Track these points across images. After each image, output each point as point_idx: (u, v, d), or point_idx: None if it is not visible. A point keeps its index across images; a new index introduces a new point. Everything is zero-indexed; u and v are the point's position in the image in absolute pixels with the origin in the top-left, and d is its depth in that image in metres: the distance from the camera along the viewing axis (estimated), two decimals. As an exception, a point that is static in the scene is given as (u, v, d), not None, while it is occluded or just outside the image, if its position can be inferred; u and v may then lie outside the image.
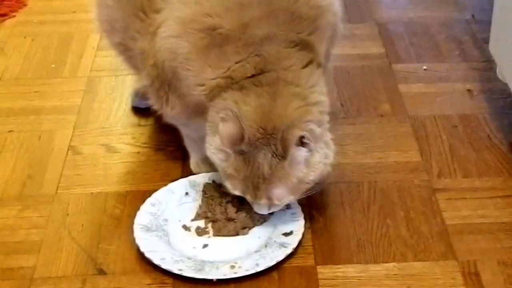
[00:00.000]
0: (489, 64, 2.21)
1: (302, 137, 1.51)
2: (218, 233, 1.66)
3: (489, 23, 2.08)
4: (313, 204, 1.75)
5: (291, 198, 1.60)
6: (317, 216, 1.73)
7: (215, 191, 1.72)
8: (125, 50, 1.81)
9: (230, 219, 1.66)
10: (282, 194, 1.57)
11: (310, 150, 1.55)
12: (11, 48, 2.41)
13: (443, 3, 2.58)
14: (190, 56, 1.59)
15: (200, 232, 1.67)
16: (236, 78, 1.56)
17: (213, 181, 1.74)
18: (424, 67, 2.25)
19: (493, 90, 2.12)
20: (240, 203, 1.66)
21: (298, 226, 1.66)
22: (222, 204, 1.68)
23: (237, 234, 1.65)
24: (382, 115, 2.06)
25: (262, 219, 1.67)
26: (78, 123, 2.05)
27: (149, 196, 1.74)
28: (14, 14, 2.59)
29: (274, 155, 1.53)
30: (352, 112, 2.08)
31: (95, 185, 1.84)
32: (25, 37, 2.46)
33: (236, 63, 1.56)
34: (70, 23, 2.53)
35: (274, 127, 1.52)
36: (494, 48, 2.03)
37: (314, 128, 1.56)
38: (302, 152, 1.53)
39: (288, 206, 1.69)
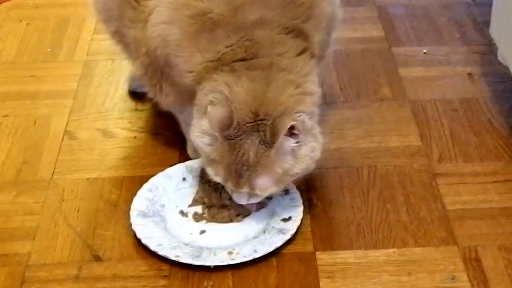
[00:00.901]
0: (490, 47, 2.19)
1: (293, 127, 1.46)
2: (213, 219, 1.64)
3: (489, 5, 2.05)
4: (312, 189, 1.74)
5: (273, 190, 1.55)
6: (316, 201, 1.71)
7: (211, 176, 1.70)
8: (121, 39, 1.79)
9: (224, 206, 1.64)
10: (265, 184, 1.52)
11: (298, 142, 1.50)
12: (7, 31, 2.38)
13: (443, -14, 2.56)
14: (180, 42, 1.57)
15: (197, 218, 1.65)
16: (226, 61, 1.53)
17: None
18: (424, 51, 2.23)
19: (494, 74, 2.10)
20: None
21: (296, 211, 1.64)
22: (218, 190, 1.66)
23: (231, 221, 1.63)
24: (382, 99, 2.04)
25: (260, 206, 1.65)
26: (74, 108, 2.03)
27: (146, 181, 1.72)
28: (9, -2, 2.57)
29: (262, 142, 1.48)
30: (352, 96, 2.06)
31: (91, 171, 1.82)
32: (20, 21, 2.43)
33: (227, 47, 1.53)
34: (67, 7, 2.50)
35: (266, 112, 1.48)
36: (495, 31, 2.01)
37: (305, 119, 1.51)
38: (290, 143, 1.49)
39: (286, 192, 1.68)
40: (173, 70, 1.62)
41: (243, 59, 1.53)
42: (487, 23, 2.11)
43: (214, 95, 1.50)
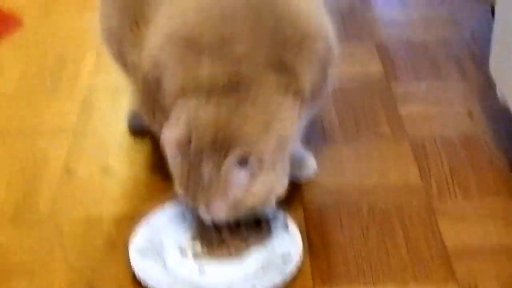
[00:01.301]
0: (489, 84, 2.18)
1: (245, 158, 1.47)
2: (211, 255, 1.63)
3: (488, 42, 2.06)
4: (311, 226, 1.73)
5: (229, 215, 1.56)
6: (315, 237, 1.71)
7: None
8: (123, 62, 1.81)
9: (223, 241, 1.64)
10: (219, 209, 1.53)
11: (251, 175, 1.50)
12: (7, 67, 2.39)
13: (442, 22, 2.57)
14: (168, 64, 1.58)
15: (196, 255, 1.64)
16: (205, 87, 1.53)
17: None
18: (424, 87, 2.23)
19: (494, 111, 2.10)
20: (237, 225, 1.64)
21: (296, 247, 1.63)
22: (216, 227, 1.65)
23: (230, 256, 1.62)
24: (381, 136, 2.04)
25: (259, 242, 1.64)
26: (73, 144, 2.03)
27: (145, 218, 1.71)
28: (9, 34, 2.57)
29: (216, 168, 1.49)
30: (351, 133, 2.06)
31: (90, 207, 1.82)
32: (20, 57, 2.44)
33: (210, 73, 1.53)
34: (67, 43, 2.51)
35: (224, 140, 1.49)
36: (494, 69, 2.02)
37: (263, 155, 1.50)
38: (239, 174, 1.49)
39: (285, 228, 1.67)
40: (162, 95, 1.63)
41: (222, 88, 1.53)
42: (486, 60, 2.11)
43: (179, 114, 1.52)
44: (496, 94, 2.03)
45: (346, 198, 1.83)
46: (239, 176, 1.50)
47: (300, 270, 1.61)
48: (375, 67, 2.33)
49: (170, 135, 1.52)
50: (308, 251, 1.66)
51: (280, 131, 1.54)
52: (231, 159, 1.47)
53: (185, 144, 1.50)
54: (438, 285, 1.58)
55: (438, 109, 2.14)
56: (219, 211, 1.54)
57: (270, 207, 1.69)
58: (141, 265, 1.59)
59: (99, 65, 2.35)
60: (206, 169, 1.50)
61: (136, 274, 1.58)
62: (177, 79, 1.56)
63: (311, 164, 1.87)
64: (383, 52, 2.41)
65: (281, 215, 1.71)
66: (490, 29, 2.04)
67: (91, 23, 2.60)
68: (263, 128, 1.51)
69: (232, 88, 1.52)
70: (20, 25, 2.63)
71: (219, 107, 1.51)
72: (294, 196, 1.82)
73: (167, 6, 1.64)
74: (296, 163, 1.79)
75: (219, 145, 1.49)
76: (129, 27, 1.70)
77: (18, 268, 1.65)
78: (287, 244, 1.65)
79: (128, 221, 1.75)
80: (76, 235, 1.73)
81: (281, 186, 1.57)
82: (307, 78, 1.58)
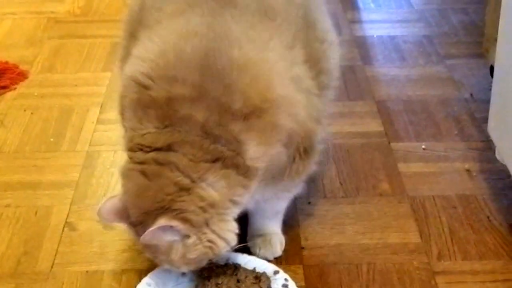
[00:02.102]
0: (488, 144, 2.22)
1: (168, 224, 1.49)
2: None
3: (487, 102, 2.09)
4: (311, 286, 1.74)
5: (186, 268, 1.59)
6: (315, 298, 1.71)
7: (211, 271, 1.69)
8: None
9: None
10: (175, 263, 1.56)
11: (181, 236, 1.52)
12: (11, 120, 2.41)
13: (442, 82, 2.60)
14: (126, 107, 1.60)
15: (197, 312, 1.64)
16: (146, 143, 1.54)
17: (210, 261, 1.72)
18: (423, 146, 2.25)
19: (492, 171, 2.12)
20: (236, 284, 1.64)
21: (296, 308, 1.63)
22: (219, 285, 1.66)
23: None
24: (381, 194, 2.05)
25: (259, 301, 1.65)
26: (75, 199, 2.04)
27: (146, 275, 1.71)
28: (15, 86, 2.60)
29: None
30: (351, 191, 2.07)
31: (90, 263, 1.82)
32: (25, 110, 2.46)
33: (154, 128, 1.54)
34: (71, 97, 2.54)
35: (146, 209, 1.51)
36: (492, 129, 2.04)
37: (187, 216, 1.50)
38: (167, 237, 1.52)
39: (286, 287, 1.68)
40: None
41: (159, 149, 1.53)
42: (485, 120, 2.14)
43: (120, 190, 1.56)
44: (494, 154, 2.06)
45: (346, 257, 1.83)
46: (165, 239, 1.52)
47: (300, 331, 1.61)
48: (375, 126, 2.36)
49: (104, 209, 1.56)
50: (308, 311, 1.67)
51: (200, 191, 1.51)
52: (153, 228, 1.48)
53: (125, 217, 1.55)
54: None
55: (438, 168, 2.16)
56: (176, 266, 1.58)
57: (270, 267, 1.70)
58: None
59: (102, 119, 2.38)
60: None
61: (136, 332, 1.58)
62: (135, 126, 1.57)
63: (276, 244, 1.83)
64: (384, 111, 2.43)
65: (281, 274, 1.72)
66: (489, 88, 2.07)
67: (94, 77, 2.67)
68: (180, 191, 1.50)
69: (167, 150, 1.52)
70: (25, 78, 2.65)
71: (141, 176, 1.52)
72: (294, 254, 1.84)
73: (138, 46, 1.65)
74: (262, 242, 1.81)
75: (144, 215, 1.52)
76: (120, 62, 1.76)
77: (18, 324, 1.65)
78: (287, 303, 1.65)
79: (128, 277, 1.76)
80: (76, 291, 1.74)
81: (225, 242, 1.56)
82: (256, 153, 1.54)
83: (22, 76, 2.66)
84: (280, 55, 1.60)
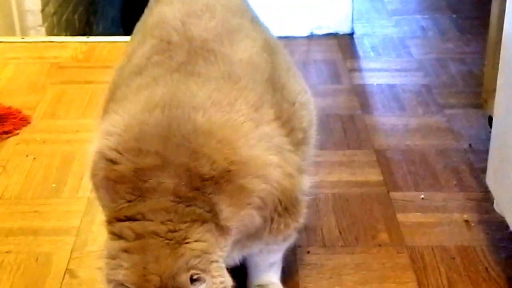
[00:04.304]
0: (486, 194, 2.23)
1: (192, 277, 1.46)
2: None
3: (486, 152, 2.11)
4: (310, 337, 1.75)
5: None
6: None
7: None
8: None
9: None
10: None
11: (204, 282, 1.49)
12: (13, 166, 2.43)
13: (440, 132, 2.63)
14: (98, 186, 1.60)
15: None
16: (121, 217, 1.53)
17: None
18: (422, 196, 2.27)
19: (491, 222, 2.13)
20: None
21: None
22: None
23: None
24: (380, 245, 2.06)
25: None
26: (76, 245, 2.05)
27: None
28: (17, 131, 2.63)
29: None
30: (350, 241, 2.08)
31: (91, 310, 1.83)
32: (27, 156, 2.49)
33: (127, 203, 1.53)
34: (73, 143, 2.56)
35: (155, 284, 1.46)
36: (491, 181, 2.05)
37: (194, 262, 1.48)
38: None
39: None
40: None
41: (132, 218, 1.52)
42: (484, 170, 2.16)
43: (113, 279, 1.49)
44: (493, 205, 2.07)
45: (345, 308, 1.84)
46: None
47: None
48: (374, 175, 2.38)
49: None
50: None
51: (191, 245, 1.49)
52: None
53: None
54: None
55: (436, 219, 2.17)
56: None
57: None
58: None
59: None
60: None
61: None
62: (107, 203, 1.57)
63: None
64: (383, 160, 2.45)
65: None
66: (488, 139, 2.10)
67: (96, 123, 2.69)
68: (173, 250, 1.48)
69: (142, 220, 1.50)
70: (28, 123, 2.68)
71: (131, 256, 1.49)
72: (293, 305, 1.84)
73: (105, 120, 1.66)
74: None
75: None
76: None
77: None
78: None
79: (128, 326, 1.76)
80: None
81: (228, 279, 1.53)
82: (226, 215, 1.53)
83: (24, 121, 2.69)
84: (245, 115, 1.60)
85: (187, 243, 1.49)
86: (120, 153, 1.55)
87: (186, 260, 1.48)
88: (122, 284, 1.47)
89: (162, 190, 1.51)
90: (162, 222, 1.50)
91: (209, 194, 1.51)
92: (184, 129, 1.54)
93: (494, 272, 1.95)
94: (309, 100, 1.85)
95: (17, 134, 2.62)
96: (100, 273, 1.90)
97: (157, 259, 1.47)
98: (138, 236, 1.50)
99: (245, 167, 1.54)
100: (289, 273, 1.91)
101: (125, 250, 1.50)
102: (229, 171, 1.52)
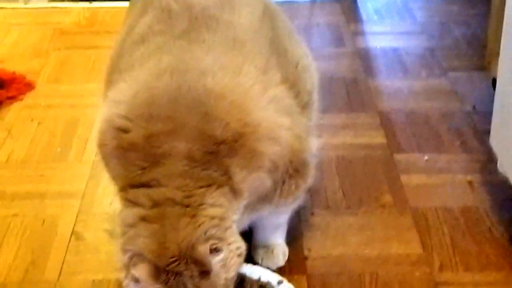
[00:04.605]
0: (490, 156, 2.23)
1: (213, 246, 1.47)
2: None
3: (490, 114, 2.10)
4: (314, 296, 1.76)
5: None
6: (318, 308, 1.74)
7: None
8: None
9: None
10: None
11: (222, 252, 1.49)
12: (18, 131, 2.44)
13: (444, 94, 2.62)
14: (108, 156, 1.60)
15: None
16: (135, 184, 1.53)
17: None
18: (426, 158, 2.28)
19: (494, 183, 2.14)
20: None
21: (299, 319, 1.65)
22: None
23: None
24: (383, 206, 2.07)
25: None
26: (82, 208, 2.07)
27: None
28: (22, 96, 2.63)
29: (192, 277, 1.47)
30: (354, 202, 2.09)
31: (97, 272, 1.84)
32: (32, 120, 2.49)
33: (140, 170, 1.52)
34: (77, 107, 2.57)
35: (174, 253, 1.46)
36: (494, 142, 2.06)
37: (212, 232, 1.49)
38: (218, 258, 1.48)
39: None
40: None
41: (147, 185, 1.52)
42: (487, 132, 2.16)
43: (131, 254, 1.49)
44: (496, 166, 2.07)
45: (348, 268, 1.85)
46: (218, 260, 1.48)
47: None
48: (378, 138, 2.38)
49: (140, 273, 1.45)
50: (311, 321, 1.69)
51: (207, 212, 1.49)
52: (207, 258, 1.45)
53: (156, 276, 1.46)
54: None
55: (440, 180, 2.18)
56: None
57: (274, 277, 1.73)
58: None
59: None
60: (187, 284, 1.47)
61: None
62: (118, 170, 1.57)
63: (278, 255, 1.86)
64: (386, 123, 2.45)
65: (284, 284, 1.74)
66: (491, 101, 2.09)
67: (100, 88, 2.69)
68: (191, 218, 1.48)
69: (157, 186, 1.51)
70: (32, 88, 2.68)
71: (150, 225, 1.49)
72: (297, 265, 1.86)
73: (112, 89, 1.66)
74: (264, 253, 1.84)
75: (177, 261, 1.46)
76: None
77: (26, 332, 1.67)
78: (290, 314, 1.67)
79: (135, 287, 1.77)
80: (83, 300, 1.76)
81: (242, 243, 1.55)
82: (244, 179, 1.54)
83: (29, 86, 2.69)
84: (254, 78, 1.60)
85: (203, 208, 1.50)
86: (131, 120, 1.54)
87: (205, 229, 1.48)
88: (140, 254, 1.47)
89: (175, 155, 1.51)
90: (178, 188, 1.50)
91: (223, 157, 1.51)
92: (194, 92, 1.54)
93: (498, 231, 1.96)
94: (311, 63, 1.86)
95: (22, 99, 2.62)
96: (106, 236, 1.95)
97: (176, 229, 1.47)
98: (155, 203, 1.50)
99: (257, 129, 1.54)
100: (293, 234, 1.92)
101: (143, 219, 1.50)
102: (242, 133, 1.52)
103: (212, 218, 1.50)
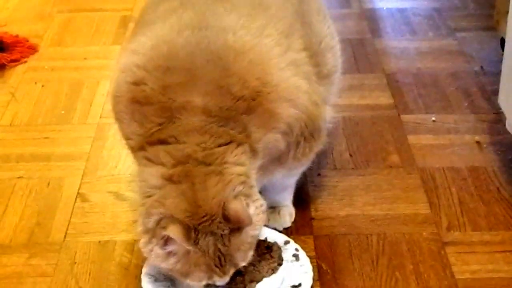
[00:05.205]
0: (498, 116, 2.22)
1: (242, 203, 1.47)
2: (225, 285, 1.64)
3: (498, 74, 2.09)
4: (321, 256, 1.75)
5: (251, 253, 1.55)
6: (325, 268, 1.72)
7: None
8: None
9: (237, 271, 1.65)
10: (245, 256, 1.53)
11: (250, 208, 1.49)
12: (22, 93, 2.43)
13: (452, 55, 2.60)
14: (121, 108, 1.57)
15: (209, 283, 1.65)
16: (153, 141, 1.51)
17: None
18: (433, 118, 2.26)
19: (502, 143, 2.12)
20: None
21: (306, 278, 1.65)
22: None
23: (245, 287, 1.64)
24: (391, 166, 2.06)
25: (271, 271, 1.66)
26: (87, 170, 2.06)
27: (157, 245, 1.73)
28: (25, 59, 2.61)
29: (223, 235, 1.47)
30: (361, 163, 2.08)
31: (103, 233, 1.84)
32: (36, 83, 2.48)
33: (157, 125, 1.51)
34: (81, 70, 2.55)
35: (206, 211, 1.46)
36: (503, 101, 2.04)
37: (239, 189, 1.49)
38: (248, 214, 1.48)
39: (296, 258, 1.69)
40: (120, 131, 1.64)
41: (165, 142, 1.50)
42: (495, 92, 2.14)
43: (159, 217, 1.47)
44: (505, 126, 2.06)
45: (356, 228, 1.84)
46: (251, 217, 1.48)
47: (310, 300, 1.63)
48: (385, 99, 2.36)
49: (174, 233, 1.44)
50: (318, 281, 1.68)
51: (232, 170, 1.49)
52: (241, 218, 1.45)
53: (188, 236, 1.45)
54: (447, 317, 1.60)
55: (447, 140, 2.16)
56: (247, 257, 1.53)
57: (280, 237, 1.72)
58: (153, 291, 1.61)
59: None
60: (218, 241, 1.47)
61: (149, 301, 1.59)
62: (134, 128, 1.55)
63: (285, 216, 1.85)
64: (393, 84, 2.43)
65: (291, 244, 1.73)
66: (499, 61, 2.07)
67: (104, 51, 2.68)
68: (219, 177, 1.47)
69: (173, 143, 1.49)
70: (35, 51, 2.66)
71: (177, 186, 1.47)
72: (304, 226, 1.85)
73: (132, 38, 1.66)
74: (271, 213, 1.82)
75: (209, 219, 1.46)
76: None
77: (32, 293, 1.67)
78: (298, 274, 1.66)
79: (141, 248, 1.77)
80: (89, 261, 1.75)
81: (263, 200, 1.55)
82: (261, 137, 1.54)
83: (32, 49, 2.67)
84: (276, 41, 1.58)
85: (227, 167, 1.49)
86: (147, 71, 1.53)
87: (233, 186, 1.48)
88: (170, 216, 1.45)
89: (191, 109, 1.49)
90: (197, 144, 1.49)
91: (241, 114, 1.50)
92: (214, 47, 1.52)
93: (506, 191, 1.95)
94: (336, 45, 1.86)
95: (25, 62, 2.60)
96: (111, 198, 1.94)
97: (205, 187, 1.47)
98: (177, 161, 1.48)
99: (276, 89, 1.53)
100: (300, 195, 1.91)
101: (168, 179, 1.48)
102: (260, 92, 1.51)
103: (239, 175, 1.50)
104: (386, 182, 2.00)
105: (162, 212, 1.47)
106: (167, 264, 1.50)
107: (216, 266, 1.50)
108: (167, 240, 1.46)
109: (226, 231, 1.47)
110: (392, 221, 1.86)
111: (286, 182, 1.83)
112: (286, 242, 1.73)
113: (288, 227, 1.83)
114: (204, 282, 1.53)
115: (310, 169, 1.90)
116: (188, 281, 1.53)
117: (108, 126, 2.23)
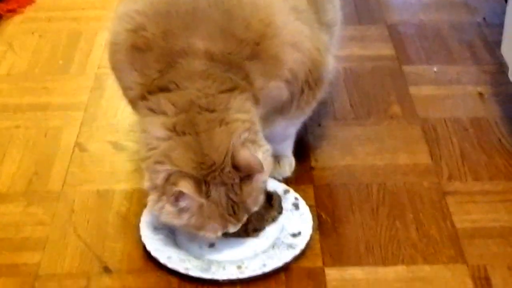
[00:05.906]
0: (500, 67, 2.20)
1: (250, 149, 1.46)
2: (228, 233, 1.63)
3: (500, 26, 2.06)
4: (321, 205, 1.74)
5: (262, 197, 1.55)
6: (325, 217, 1.71)
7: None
8: None
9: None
10: (257, 201, 1.53)
11: (258, 154, 1.49)
12: (19, 44, 2.40)
13: (454, 6, 2.57)
14: (120, 57, 1.54)
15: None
16: (154, 89, 1.48)
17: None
18: (435, 69, 2.23)
19: (505, 94, 2.10)
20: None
21: (306, 227, 1.64)
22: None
23: (248, 236, 1.63)
24: (392, 117, 2.04)
25: (271, 220, 1.66)
26: (85, 120, 2.04)
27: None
28: (22, 9, 2.59)
29: (233, 184, 1.46)
30: (362, 114, 2.06)
31: (101, 183, 1.83)
32: (33, 33, 2.45)
33: (157, 72, 1.48)
34: (79, 20, 2.52)
35: (213, 161, 1.44)
36: (506, 51, 2.02)
37: (245, 135, 1.47)
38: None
39: (296, 207, 1.69)
40: (118, 82, 1.62)
41: (166, 89, 1.48)
42: (498, 43, 2.12)
43: (167, 173, 1.45)
44: (507, 77, 2.04)
45: (356, 178, 1.83)
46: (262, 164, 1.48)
47: (310, 249, 1.62)
48: (386, 50, 2.34)
49: (186, 189, 1.43)
50: (318, 230, 1.67)
51: (236, 117, 1.47)
52: (251, 165, 1.44)
53: (199, 188, 1.44)
54: (447, 266, 1.59)
55: (449, 92, 2.15)
56: (258, 202, 1.53)
57: (280, 186, 1.71)
58: (152, 240, 1.60)
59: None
60: (229, 190, 1.46)
61: (147, 249, 1.59)
62: (134, 77, 1.52)
63: (285, 165, 1.83)
64: (395, 35, 2.41)
65: (291, 193, 1.72)
66: (502, 12, 2.05)
67: (102, 1, 2.64)
68: (224, 125, 1.46)
69: (175, 89, 1.47)
70: (32, 1, 2.63)
71: (181, 138, 1.45)
72: (304, 176, 1.84)
73: None
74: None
75: (217, 169, 1.44)
76: None
77: (30, 242, 1.66)
78: (297, 223, 1.66)
79: (139, 196, 1.75)
80: (87, 210, 1.75)
81: (268, 145, 1.54)
82: (262, 85, 1.52)
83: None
84: None
85: (232, 113, 1.47)
86: (147, 16, 1.50)
87: (239, 133, 1.46)
88: (178, 171, 1.43)
89: (193, 53, 1.47)
90: (199, 90, 1.46)
91: (244, 59, 1.48)
92: None
93: (507, 142, 1.94)
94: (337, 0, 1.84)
95: (22, 12, 2.58)
96: (110, 148, 1.92)
97: (210, 136, 1.45)
98: (180, 109, 1.46)
99: (279, 32, 1.51)
100: (300, 145, 1.89)
101: (172, 129, 1.46)
102: (265, 34, 1.49)
103: (244, 121, 1.48)
104: (387, 133, 1.98)
105: (169, 168, 1.45)
106: (181, 220, 1.49)
107: (229, 215, 1.49)
108: (178, 196, 1.45)
109: (236, 180, 1.46)
110: (392, 171, 1.85)
111: (287, 132, 1.81)
112: (286, 191, 1.73)
113: (288, 177, 1.82)
114: (219, 233, 1.52)
115: (310, 119, 1.88)
116: (203, 234, 1.51)
117: (106, 76, 2.20)
